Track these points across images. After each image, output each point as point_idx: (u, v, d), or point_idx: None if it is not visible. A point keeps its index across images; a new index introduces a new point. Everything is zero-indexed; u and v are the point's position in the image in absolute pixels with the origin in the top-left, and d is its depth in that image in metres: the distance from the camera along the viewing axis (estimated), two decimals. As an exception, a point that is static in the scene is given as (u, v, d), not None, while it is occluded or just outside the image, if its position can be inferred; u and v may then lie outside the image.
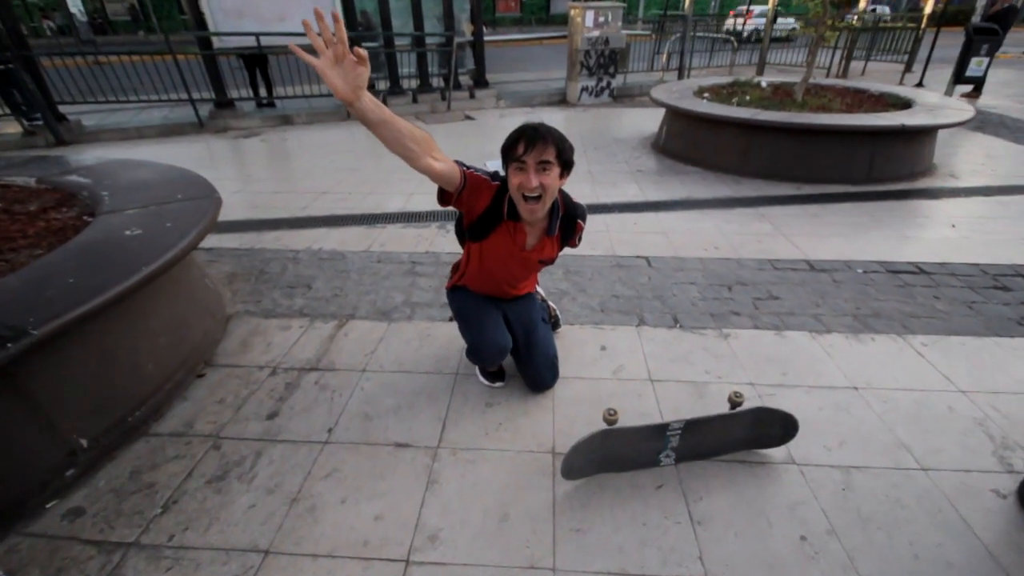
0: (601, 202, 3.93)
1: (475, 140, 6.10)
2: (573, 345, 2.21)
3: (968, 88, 8.10)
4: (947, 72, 9.71)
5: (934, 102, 4.76)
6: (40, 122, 5.80)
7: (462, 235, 1.82)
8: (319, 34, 1.08)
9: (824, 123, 4.05)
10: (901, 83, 9.41)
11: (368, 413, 1.84)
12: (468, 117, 7.29)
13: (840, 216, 3.61)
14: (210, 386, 1.98)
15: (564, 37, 9.53)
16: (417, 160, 1.34)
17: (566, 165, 1.50)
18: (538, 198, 1.47)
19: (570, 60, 8.01)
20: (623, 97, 8.56)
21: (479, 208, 1.56)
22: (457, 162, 1.49)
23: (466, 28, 8.52)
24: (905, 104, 4.80)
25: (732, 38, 10.46)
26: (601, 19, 7.66)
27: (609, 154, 5.29)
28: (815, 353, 2.16)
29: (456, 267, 1.90)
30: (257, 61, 7.06)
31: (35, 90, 5.56)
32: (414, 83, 7.82)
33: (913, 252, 3.07)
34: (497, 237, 1.63)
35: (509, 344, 1.78)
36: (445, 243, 3.21)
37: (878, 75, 10.12)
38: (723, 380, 1.99)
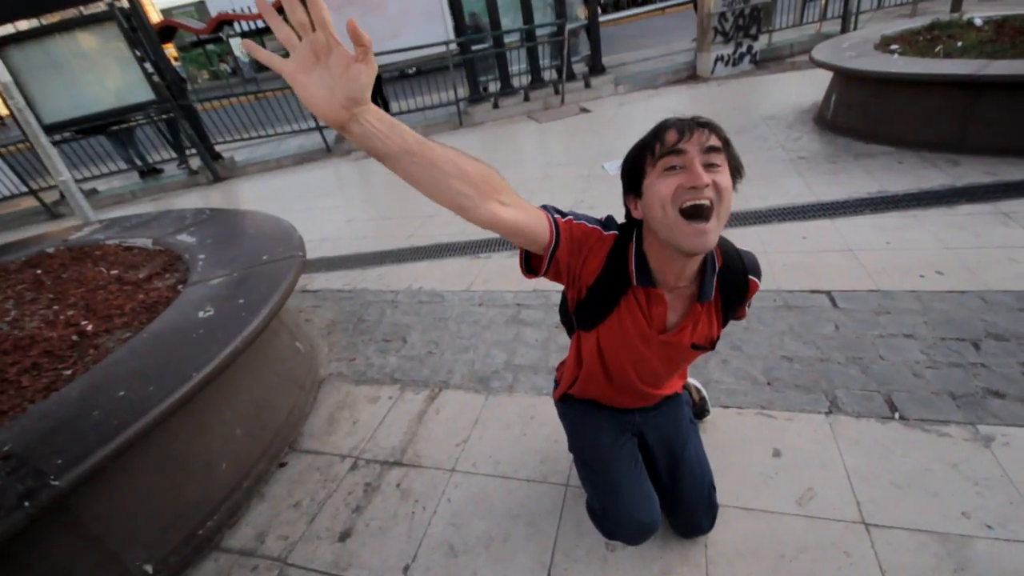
0: (752, 208, 3.10)
1: (589, 136, 5.47)
2: (730, 445, 1.58)
3: None
4: None
5: None
6: (184, 166, 6.56)
7: (569, 322, 1.26)
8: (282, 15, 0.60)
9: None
10: None
11: (453, 544, 1.44)
12: (584, 110, 6.66)
13: None
14: (290, 481, 1.76)
15: (690, 2, 8.37)
16: (474, 210, 0.79)
17: (736, 170, 0.90)
18: (708, 211, 0.84)
19: (700, 27, 6.89)
20: (768, 61, 7.18)
21: (589, 274, 0.98)
22: (545, 208, 0.94)
23: (580, 12, 7.88)
24: None
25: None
26: (739, -28, 6.45)
27: (758, 138, 4.31)
28: None
29: (563, 368, 1.34)
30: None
31: (194, 135, 6.24)
32: (525, 80, 7.41)
33: None
34: (620, 317, 1.02)
35: (657, 522, 1.20)
36: (556, 277, 2.73)
37: None
38: (998, 535, 1.22)
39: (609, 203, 3.49)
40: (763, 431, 1.61)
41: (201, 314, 1.71)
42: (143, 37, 5.85)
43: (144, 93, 5.89)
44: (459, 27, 6.78)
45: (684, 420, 1.33)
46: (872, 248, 2.46)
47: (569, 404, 1.33)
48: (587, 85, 7.22)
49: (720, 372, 1.88)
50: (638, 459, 1.27)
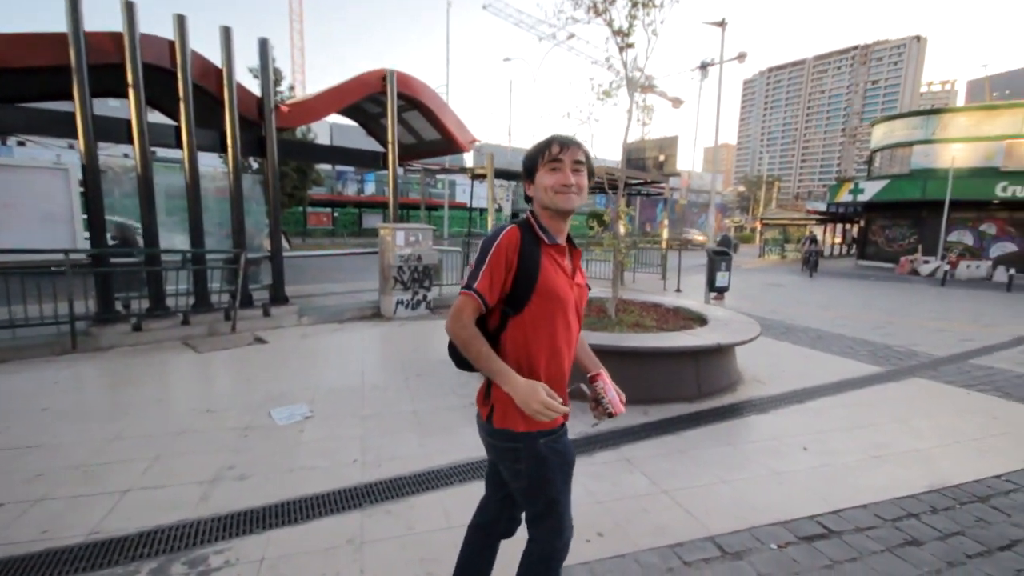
0: (435, 465, 2.90)
1: (261, 372, 4.72)
2: None
3: (715, 294, 9.95)
4: (691, 278, 12.10)
5: (723, 316, 5.27)
6: None
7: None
8: None
9: (654, 346, 3.95)
10: (664, 289, 11.37)
11: None
12: (260, 340, 5.97)
13: (704, 450, 3.19)
14: None
15: (377, 253, 9.42)
16: None
17: (590, 174, 1.44)
18: (571, 190, 1.38)
19: (383, 275, 7.62)
20: (441, 308, 8.30)
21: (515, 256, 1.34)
22: (470, 294, 1.32)
23: (264, 243, 7.72)
24: (700, 318, 5.20)
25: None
26: (412, 238, 7.65)
27: (436, 383, 4.48)
28: None
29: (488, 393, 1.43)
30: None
31: None
32: (190, 301, 6.36)
33: (799, 500, 2.66)
34: (546, 270, 1.37)
35: None
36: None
37: (645, 282, 12.15)
38: None
39: (268, 472, 2.75)
40: None
41: None
42: None
43: None
44: (96, 236, 5.57)
45: None
46: (544, 510, 2.46)
47: (549, 439, 1.42)
48: (266, 314, 6.69)
49: None
50: None
